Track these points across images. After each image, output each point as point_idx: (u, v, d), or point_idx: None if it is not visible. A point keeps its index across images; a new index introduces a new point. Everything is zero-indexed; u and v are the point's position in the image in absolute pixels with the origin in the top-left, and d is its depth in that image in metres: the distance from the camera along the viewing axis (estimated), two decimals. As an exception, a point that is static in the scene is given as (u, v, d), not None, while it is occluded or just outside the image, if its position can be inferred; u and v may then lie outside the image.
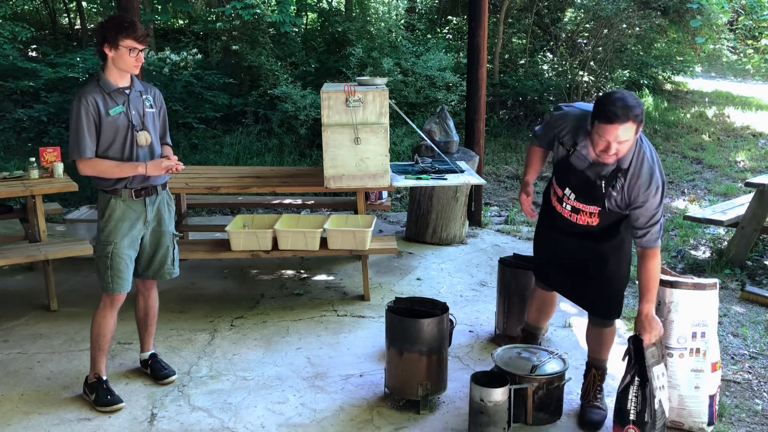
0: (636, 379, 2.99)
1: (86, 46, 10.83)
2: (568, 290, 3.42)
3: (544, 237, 3.47)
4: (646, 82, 12.70)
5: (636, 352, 3.01)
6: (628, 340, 3.07)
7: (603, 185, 2.97)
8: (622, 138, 2.77)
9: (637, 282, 3.12)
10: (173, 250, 3.56)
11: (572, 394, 3.46)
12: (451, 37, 12.30)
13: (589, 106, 2.99)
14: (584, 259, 3.22)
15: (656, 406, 2.97)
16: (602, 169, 2.96)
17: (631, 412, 3.00)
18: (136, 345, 3.88)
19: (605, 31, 10.90)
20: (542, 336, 3.91)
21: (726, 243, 5.70)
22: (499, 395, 3.05)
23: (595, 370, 3.34)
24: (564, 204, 3.17)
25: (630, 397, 3.01)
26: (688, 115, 11.43)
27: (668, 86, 13.60)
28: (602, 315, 3.27)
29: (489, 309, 4.53)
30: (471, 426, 3.14)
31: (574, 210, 3.13)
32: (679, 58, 12.97)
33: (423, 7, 13.08)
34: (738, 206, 5.68)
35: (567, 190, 3.13)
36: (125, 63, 3.21)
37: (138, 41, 3.19)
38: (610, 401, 3.42)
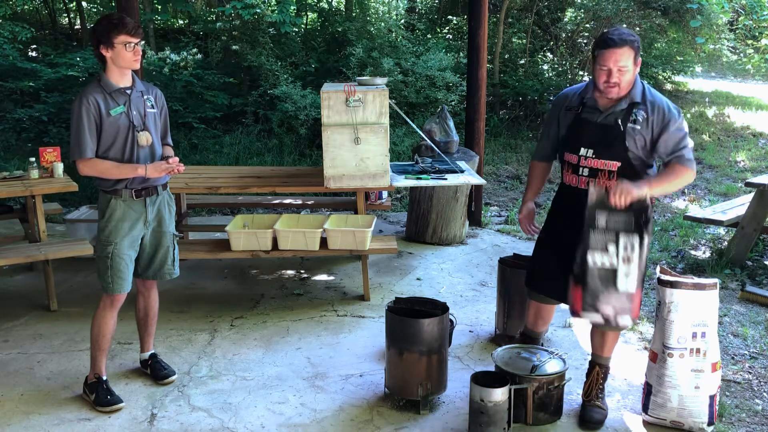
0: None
1: (86, 46, 10.82)
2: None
3: (552, 242, 3.41)
4: (646, 81, 12.68)
5: (588, 200, 2.97)
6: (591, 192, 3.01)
7: (621, 123, 3.04)
8: (621, 63, 2.95)
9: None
10: (173, 250, 3.56)
11: (572, 394, 3.46)
12: (451, 37, 12.30)
13: (579, 84, 3.29)
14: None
15: (594, 264, 2.94)
16: (615, 107, 3.06)
17: (576, 265, 3.01)
18: (136, 345, 3.88)
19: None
20: (542, 339, 3.91)
21: (726, 243, 5.70)
22: (499, 395, 3.05)
23: (598, 368, 3.34)
24: (581, 171, 3.16)
25: (577, 257, 2.99)
26: (689, 115, 11.44)
27: (668, 86, 13.60)
28: None
29: (489, 309, 4.53)
30: (471, 426, 3.14)
31: (592, 173, 3.13)
32: (679, 58, 12.96)
33: (423, 7, 13.08)
34: (738, 206, 5.68)
35: (583, 150, 3.15)
36: (124, 59, 3.21)
37: (131, 35, 3.19)
38: (610, 401, 3.43)
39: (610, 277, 2.96)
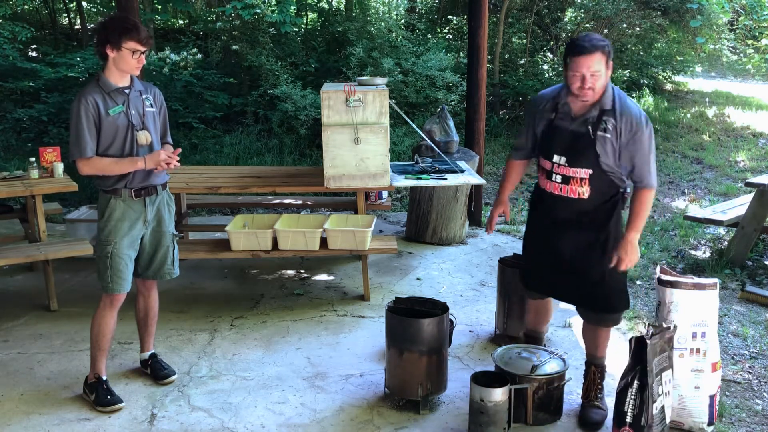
0: (636, 381, 2.99)
1: (86, 46, 10.83)
2: (563, 291, 3.41)
3: (534, 239, 3.46)
4: (646, 82, 12.69)
5: (639, 354, 3.00)
6: (630, 341, 3.06)
7: (591, 131, 3.05)
8: (594, 69, 2.95)
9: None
10: (173, 250, 3.56)
11: (572, 394, 3.46)
12: (451, 37, 12.29)
13: (554, 87, 3.29)
14: (578, 251, 3.21)
15: (655, 411, 2.95)
16: (586, 115, 3.06)
17: (628, 414, 3.00)
18: (136, 345, 3.88)
19: (605, 31, 10.90)
20: (544, 336, 3.91)
21: (726, 243, 5.71)
22: (499, 395, 3.05)
23: (594, 368, 3.34)
24: (553, 176, 3.18)
25: (628, 399, 3.00)
26: (689, 115, 11.43)
27: (668, 86, 13.59)
28: (604, 309, 3.26)
29: (489, 309, 4.53)
30: (471, 426, 3.14)
31: (564, 180, 3.15)
32: (679, 58, 12.96)
33: (423, 7, 13.08)
34: (738, 206, 5.68)
35: (555, 157, 3.16)
36: (127, 64, 3.21)
37: (141, 43, 3.19)
38: (610, 401, 3.42)
39: (663, 416, 3.03)
